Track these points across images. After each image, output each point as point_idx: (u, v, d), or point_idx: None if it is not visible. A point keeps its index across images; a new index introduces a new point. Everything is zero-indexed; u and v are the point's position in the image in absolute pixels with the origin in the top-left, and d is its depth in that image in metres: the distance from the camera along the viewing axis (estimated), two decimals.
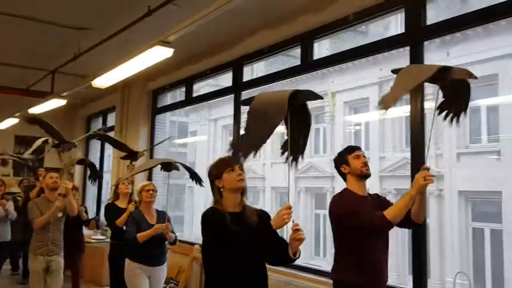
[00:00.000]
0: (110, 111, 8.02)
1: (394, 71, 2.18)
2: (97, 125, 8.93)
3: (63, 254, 4.28)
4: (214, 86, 7.66)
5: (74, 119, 9.33)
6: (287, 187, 2.13)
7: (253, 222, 2.14)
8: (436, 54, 8.21)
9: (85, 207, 5.46)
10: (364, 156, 2.60)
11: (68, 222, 4.38)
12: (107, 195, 7.54)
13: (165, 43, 3.49)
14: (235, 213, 2.18)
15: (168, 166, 3.78)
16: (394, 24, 7.41)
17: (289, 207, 1.97)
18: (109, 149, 7.80)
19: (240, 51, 4.93)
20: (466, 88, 2.18)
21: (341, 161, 2.64)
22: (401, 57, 3.46)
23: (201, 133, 14.81)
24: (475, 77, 2.05)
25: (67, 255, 4.47)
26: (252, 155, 1.72)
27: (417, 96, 3.17)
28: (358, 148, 2.65)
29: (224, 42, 5.00)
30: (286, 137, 2.11)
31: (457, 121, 2.22)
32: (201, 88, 7.76)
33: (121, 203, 4.39)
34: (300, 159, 2.13)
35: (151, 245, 3.67)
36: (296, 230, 1.95)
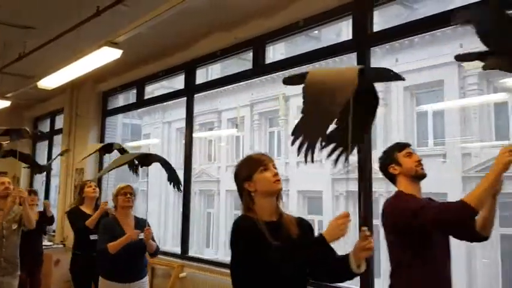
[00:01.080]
0: (59, 113, 7.78)
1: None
2: (44, 127, 8.64)
3: (23, 271, 3.85)
4: (168, 88, 7.59)
5: (20, 121, 8.97)
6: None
7: (294, 234, 1.79)
8: (385, 61, 8.47)
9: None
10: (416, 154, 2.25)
11: (27, 233, 3.92)
12: (55, 199, 7.31)
13: (114, 44, 3.43)
14: (272, 223, 1.79)
15: (147, 160, 3.46)
16: (346, 30, 7.59)
17: (347, 215, 1.61)
18: (57, 152, 7.56)
19: (193, 54, 4.91)
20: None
21: (389, 160, 2.26)
22: (351, 63, 3.55)
23: (155, 136, 14.62)
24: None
25: (29, 273, 4.19)
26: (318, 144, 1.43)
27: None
28: (408, 145, 2.30)
29: (176, 44, 4.96)
30: (335, 126, 1.72)
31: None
32: (155, 90, 7.67)
33: (87, 208, 3.96)
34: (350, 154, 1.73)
35: (127, 258, 3.16)
36: (366, 237, 1.60)
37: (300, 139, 1.45)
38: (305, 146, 1.45)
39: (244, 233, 1.75)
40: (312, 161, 1.47)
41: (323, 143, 1.64)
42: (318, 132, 1.45)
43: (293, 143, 1.47)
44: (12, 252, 3.60)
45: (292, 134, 1.49)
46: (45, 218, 4.64)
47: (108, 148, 3.90)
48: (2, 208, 3.60)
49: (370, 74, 1.63)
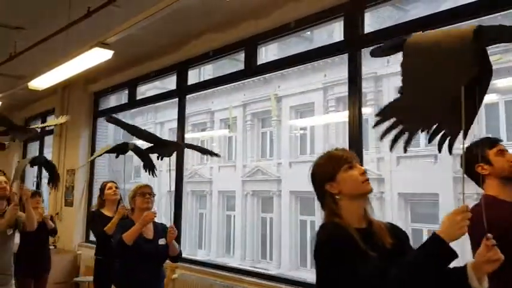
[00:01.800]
0: (50, 113, 7.73)
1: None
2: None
3: (29, 276, 3.84)
4: (161, 88, 7.56)
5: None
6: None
7: (388, 244, 1.47)
8: (376, 62, 8.51)
9: (50, 215, 4.66)
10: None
11: (34, 239, 3.88)
12: (47, 200, 7.26)
13: (105, 45, 3.41)
14: (363, 230, 1.48)
15: (125, 148, 3.49)
16: (338, 31, 7.62)
17: (466, 209, 1.28)
18: (49, 153, 7.51)
19: (185, 55, 4.89)
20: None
21: (477, 158, 1.89)
22: (343, 64, 3.56)
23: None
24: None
25: (36, 277, 4.12)
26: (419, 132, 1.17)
27: (355, 101, 3.26)
28: (500, 140, 1.99)
29: (168, 45, 4.95)
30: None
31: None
32: (147, 91, 7.64)
33: (108, 211, 3.74)
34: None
35: (143, 267, 2.82)
36: (491, 247, 1.28)
37: (391, 122, 1.20)
38: (398, 131, 1.20)
39: (336, 242, 1.42)
40: (405, 151, 1.25)
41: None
42: (428, 118, 1.19)
43: (377, 124, 1.23)
44: (5, 262, 3.34)
45: (380, 114, 1.23)
46: (46, 230, 4.36)
47: (124, 148, 3.81)
48: None
49: (490, 32, 1.22)
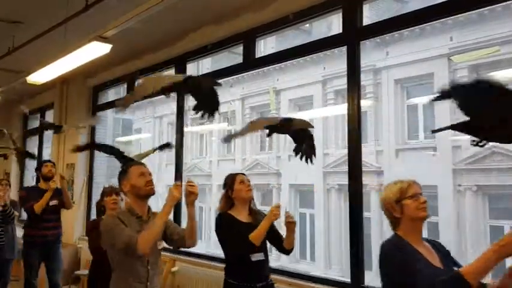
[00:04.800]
0: (49, 108, 7.72)
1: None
2: (34, 122, 8.58)
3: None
4: None
5: (10, 116, 8.92)
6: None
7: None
8: (375, 54, 8.51)
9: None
10: None
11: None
12: None
13: (103, 39, 3.41)
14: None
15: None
16: (336, 23, 7.61)
17: None
18: (48, 148, 7.52)
19: (183, 48, 4.88)
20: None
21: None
22: (342, 56, 3.55)
23: (146, 130, 14.58)
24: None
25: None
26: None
27: (354, 94, 3.26)
28: None
29: (166, 38, 4.94)
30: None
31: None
32: None
33: None
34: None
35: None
36: None
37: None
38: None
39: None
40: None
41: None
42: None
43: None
44: None
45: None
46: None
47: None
48: None
49: None
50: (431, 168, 8.21)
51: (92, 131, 6.52)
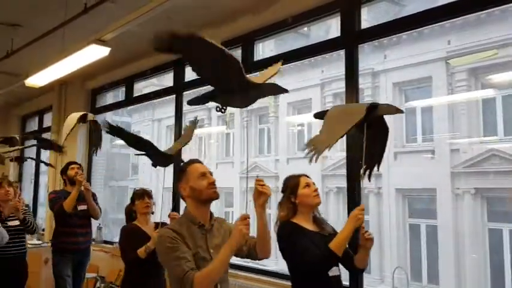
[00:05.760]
0: (47, 111, 7.72)
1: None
2: (33, 125, 8.57)
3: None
4: (158, 85, 7.55)
5: (8, 119, 8.92)
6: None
7: None
8: (373, 57, 8.52)
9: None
10: None
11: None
12: (45, 197, 7.26)
13: (102, 42, 3.41)
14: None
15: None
16: (335, 27, 7.62)
17: None
18: (46, 151, 7.51)
19: None
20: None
21: None
22: (340, 60, 3.56)
23: (145, 133, 14.55)
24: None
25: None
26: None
27: (352, 97, 3.27)
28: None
29: None
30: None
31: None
32: (144, 88, 7.63)
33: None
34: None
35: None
36: None
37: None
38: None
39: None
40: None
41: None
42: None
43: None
44: None
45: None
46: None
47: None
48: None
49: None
50: (430, 171, 8.21)
51: (90, 133, 6.50)
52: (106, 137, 4.38)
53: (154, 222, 3.18)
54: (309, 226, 2.34)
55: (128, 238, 3.06)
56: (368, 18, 5.48)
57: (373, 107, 1.97)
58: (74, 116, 3.90)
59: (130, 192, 14.06)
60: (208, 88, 2.10)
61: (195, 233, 1.93)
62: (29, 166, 8.47)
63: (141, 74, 5.62)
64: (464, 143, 7.99)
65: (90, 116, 3.96)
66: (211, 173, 2.03)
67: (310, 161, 1.74)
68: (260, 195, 1.94)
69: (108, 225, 7.27)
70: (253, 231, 1.95)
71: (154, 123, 14.44)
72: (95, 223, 4.44)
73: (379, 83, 9.19)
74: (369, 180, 2.21)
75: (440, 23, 3.50)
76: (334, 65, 8.69)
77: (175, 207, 4.53)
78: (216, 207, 12.72)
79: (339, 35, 3.58)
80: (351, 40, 3.39)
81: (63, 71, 4.28)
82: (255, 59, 4.33)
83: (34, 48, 4.78)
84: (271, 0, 3.86)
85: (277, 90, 2.03)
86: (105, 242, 5.92)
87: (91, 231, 4.35)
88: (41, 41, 4.59)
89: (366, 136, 1.99)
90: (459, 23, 7.22)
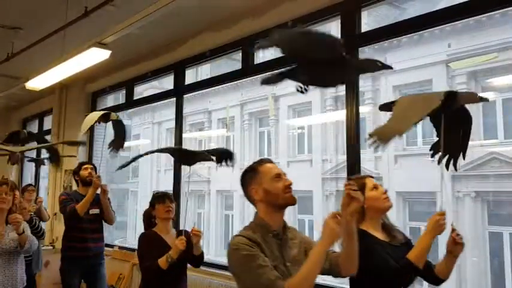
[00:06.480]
0: (47, 113, 7.72)
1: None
2: (33, 128, 8.57)
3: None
4: (159, 88, 7.57)
5: (8, 122, 8.92)
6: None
7: None
8: None
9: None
10: None
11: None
12: (45, 202, 7.25)
13: (102, 45, 3.41)
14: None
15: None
16: (335, 30, 7.63)
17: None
18: (45, 154, 7.50)
19: (181, 54, 4.89)
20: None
21: None
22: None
23: (145, 136, 14.56)
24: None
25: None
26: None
27: (352, 100, 3.26)
28: None
29: (165, 44, 4.95)
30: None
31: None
32: (145, 91, 7.64)
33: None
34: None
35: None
36: None
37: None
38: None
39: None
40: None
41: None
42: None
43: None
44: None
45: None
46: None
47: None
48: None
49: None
50: (430, 174, 8.19)
51: (91, 136, 6.51)
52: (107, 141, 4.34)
53: (176, 231, 2.95)
54: (378, 234, 2.07)
55: (149, 246, 2.80)
56: (368, 21, 5.49)
57: (452, 95, 1.80)
58: (96, 114, 3.73)
59: (130, 194, 14.15)
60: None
61: (270, 242, 1.67)
62: (29, 169, 8.47)
63: (142, 76, 5.62)
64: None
65: (113, 116, 3.77)
66: (285, 174, 1.80)
67: (376, 149, 1.54)
68: (351, 202, 1.58)
69: (108, 228, 7.26)
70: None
71: (154, 126, 14.43)
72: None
73: (380, 86, 9.19)
74: (455, 169, 2.08)
75: (441, 27, 3.50)
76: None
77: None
78: (218, 211, 12.72)
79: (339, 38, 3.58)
80: (352, 43, 3.39)
81: (63, 74, 4.29)
82: (255, 62, 4.33)
83: (34, 51, 4.79)
84: (271, 4, 3.86)
85: (378, 66, 1.72)
86: (106, 245, 5.90)
87: (103, 237, 4.07)
88: (41, 44, 4.60)
89: (443, 127, 1.89)
90: (459, 26, 7.22)
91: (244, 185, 1.81)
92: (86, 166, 4.02)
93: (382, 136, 1.55)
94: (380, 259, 1.92)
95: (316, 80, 1.81)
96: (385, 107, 1.99)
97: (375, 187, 2.14)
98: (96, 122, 3.68)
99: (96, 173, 3.99)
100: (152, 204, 2.95)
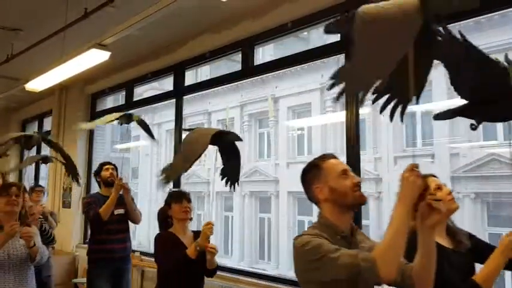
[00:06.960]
0: (47, 115, 7.72)
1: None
2: (33, 129, 8.57)
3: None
4: (159, 90, 7.57)
5: (8, 124, 8.92)
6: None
7: None
8: None
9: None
10: None
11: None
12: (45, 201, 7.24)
13: (102, 46, 3.41)
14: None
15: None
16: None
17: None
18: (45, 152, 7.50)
19: (181, 56, 4.90)
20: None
21: None
22: (340, 64, 3.56)
23: (144, 138, 14.55)
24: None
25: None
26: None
27: (352, 101, 3.27)
28: None
29: (165, 46, 4.95)
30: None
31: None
32: (145, 92, 7.65)
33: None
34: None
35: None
36: None
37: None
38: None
39: None
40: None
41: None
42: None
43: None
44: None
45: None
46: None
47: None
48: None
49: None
50: None
51: (91, 138, 6.52)
52: (109, 140, 4.34)
53: (193, 231, 2.82)
54: (442, 240, 1.87)
55: (166, 247, 2.63)
56: None
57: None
58: (116, 114, 3.70)
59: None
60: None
61: (339, 244, 1.47)
62: (29, 170, 8.46)
63: (142, 78, 5.63)
64: (464, 147, 7.99)
65: (136, 117, 3.70)
66: (351, 170, 1.62)
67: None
68: (431, 213, 1.37)
69: None
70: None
71: (154, 127, 14.43)
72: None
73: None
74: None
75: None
76: (334, 70, 8.70)
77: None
78: (218, 213, 12.71)
79: (338, 39, 3.59)
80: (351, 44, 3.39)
81: (63, 75, 4.29)
82: (255, 64, 4.33)
83: (34, 52, 4.79)
84: (271, 5, 3.86)
85: None
86: None
87: (130, 238, 3.94)
88: (41, 45, 4.60)
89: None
90: (459, 28, 7.24)
91: (306, 184, 1.64)
92: (107, 167, 3.93)
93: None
94: (444, 275, 1.68)
95: (491, 117, 1.63)
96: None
97: (439, 187, 1.97)
98: (118, 122, 3.63)
99: (117, 173, 3.93)
100: (168, 202, 2.77)
